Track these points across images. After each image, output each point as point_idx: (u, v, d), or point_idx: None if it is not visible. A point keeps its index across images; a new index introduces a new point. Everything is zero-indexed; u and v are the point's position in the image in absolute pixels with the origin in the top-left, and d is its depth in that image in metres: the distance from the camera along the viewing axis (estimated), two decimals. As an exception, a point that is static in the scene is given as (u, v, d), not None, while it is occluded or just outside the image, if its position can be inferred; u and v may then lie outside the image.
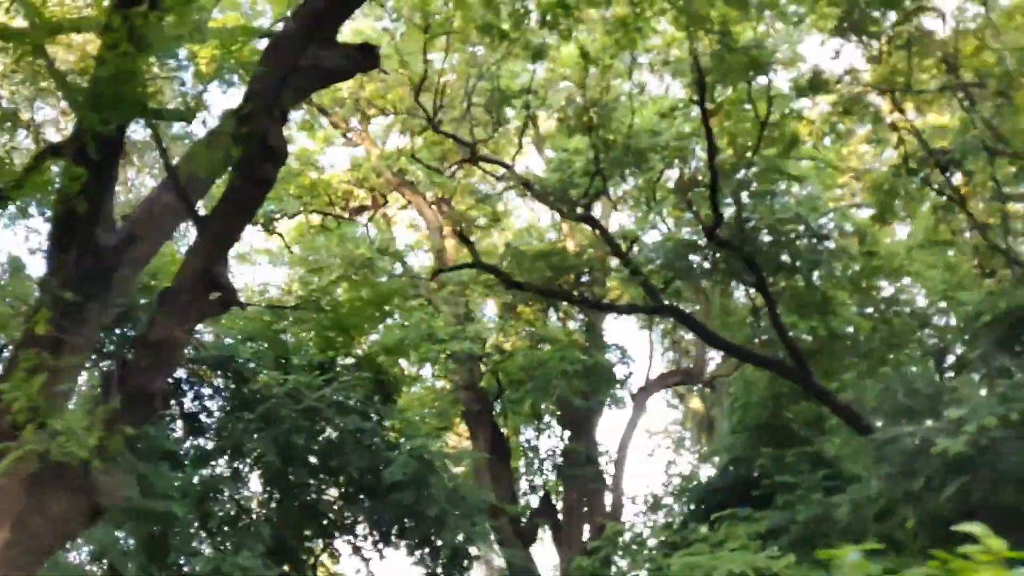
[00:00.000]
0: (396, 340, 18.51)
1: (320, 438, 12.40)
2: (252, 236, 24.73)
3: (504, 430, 23.97)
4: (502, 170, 15.64)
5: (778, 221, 15.40)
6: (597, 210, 18.26)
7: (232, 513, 11.23)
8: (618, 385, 22.93)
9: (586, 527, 22.04)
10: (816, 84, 13.43)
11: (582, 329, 22.51)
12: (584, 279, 17.88)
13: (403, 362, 19.43)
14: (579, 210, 15.31)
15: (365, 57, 9.22)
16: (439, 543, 12.17)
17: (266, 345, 12.94)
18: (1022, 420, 9.36)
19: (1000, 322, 9.97)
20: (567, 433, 23.06)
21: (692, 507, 18.46)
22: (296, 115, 23.39)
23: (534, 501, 23.38)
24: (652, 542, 17.98)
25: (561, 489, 23.03)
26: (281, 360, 13.26)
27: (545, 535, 23.19)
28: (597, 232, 15.15)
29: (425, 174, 19.01)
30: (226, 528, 11.36)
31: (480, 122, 15.28)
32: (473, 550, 14.12)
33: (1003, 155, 10.56)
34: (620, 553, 17.40)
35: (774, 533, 14.66)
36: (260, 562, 11.16)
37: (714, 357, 22.85)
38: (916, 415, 12.37)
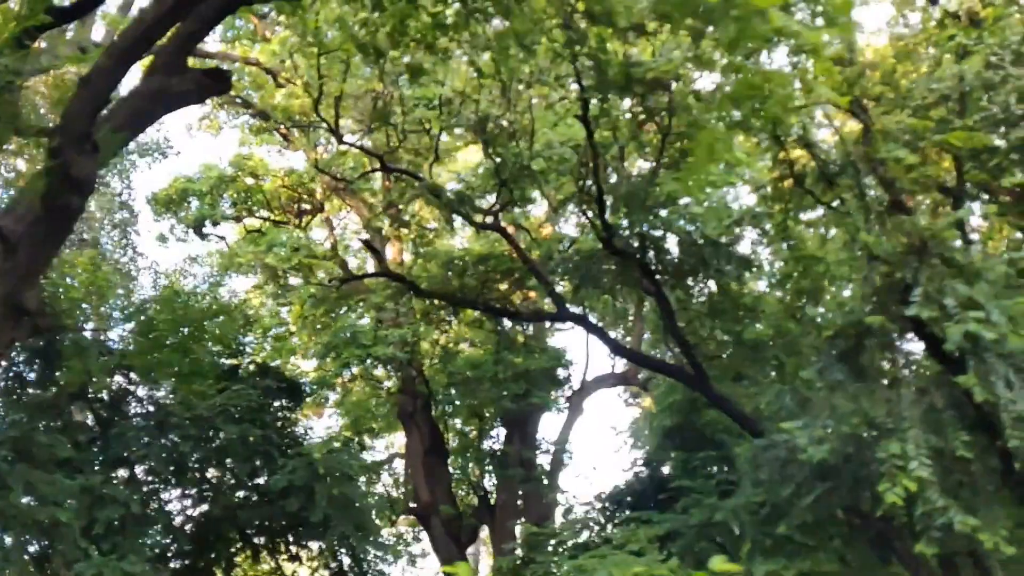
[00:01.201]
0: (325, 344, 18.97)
1: (211, 445, 12.68)
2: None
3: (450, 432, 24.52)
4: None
5: (680, 230, 15.73)
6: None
7: (118, 520, 11.51)
8: (561, 387, 23.28)
9: (519, 528, 22.37)
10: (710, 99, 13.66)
11: (525, 332, 22.90)
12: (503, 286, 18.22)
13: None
14: (488, 219, 15.59)
15: (215, 82, 9.53)
16: (326, 547, 12.45)
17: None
18: (853, 433, 9.64)
19: (845, 336, 10.25)
20: (503, 434, 23.35)
21: (608, 510, 18.86)
22: (241, 120, 23.84)
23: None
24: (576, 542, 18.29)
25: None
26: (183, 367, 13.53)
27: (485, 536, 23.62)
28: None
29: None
30: (114, 534, 11.64)
31: (401, 133, 15.52)
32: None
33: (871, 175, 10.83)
34: (535, 555, 17.73)
35: (671, 536, 15.03)
36: (148, 566, 11.48)
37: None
38: (842, 420, 12.65)
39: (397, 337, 18.58)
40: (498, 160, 14.15)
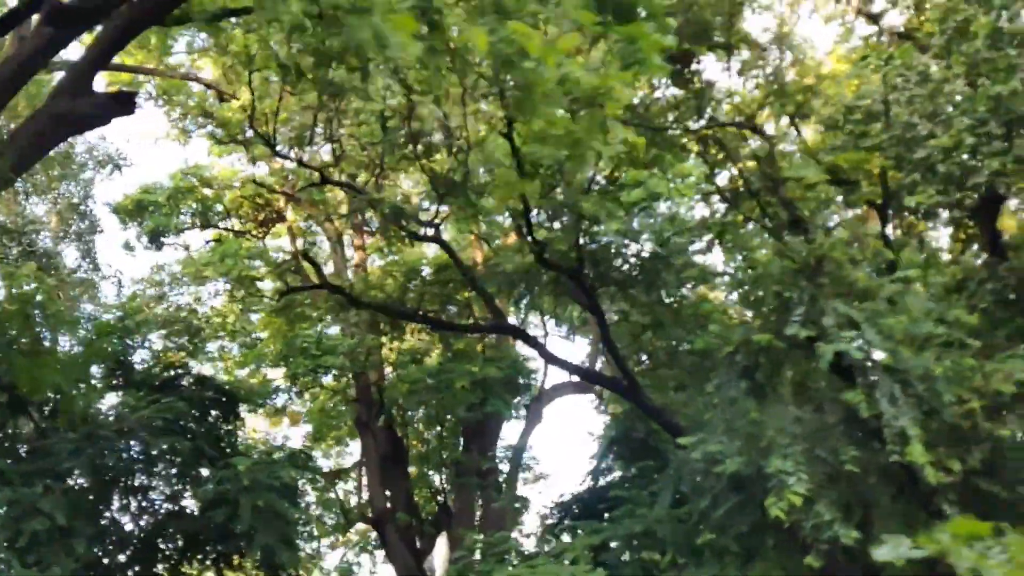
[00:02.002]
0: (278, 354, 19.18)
1: (140, 457, 12.88)
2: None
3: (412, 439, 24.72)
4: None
5: (617, 243, 15.97)
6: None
7: (44, 532, 11.68)
8: (520, 395, 23.47)
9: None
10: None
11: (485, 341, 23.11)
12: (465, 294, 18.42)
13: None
14: (429, 231, 15.80)
15: (121, 105, 9.75)
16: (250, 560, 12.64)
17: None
18: (746, 447, 9.85)
19: (745, 352, 10.46)
20: (463, 442, 23.54)
21: (557, 518, 19.06)
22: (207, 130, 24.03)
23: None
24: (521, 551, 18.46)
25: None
26: (117, 378, 13.73)
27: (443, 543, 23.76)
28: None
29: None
30: (40, 546, 11.81)
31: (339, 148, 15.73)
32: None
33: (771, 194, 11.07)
34: (481, 564, 17.91)
35: (605, 546, 15.23)
36: (70, 577, 11.65)
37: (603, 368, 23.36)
38: (736, 435, 12.87)
39: (346, 347, 18.79)
40: (436, 174, 14.37)
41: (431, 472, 24.56)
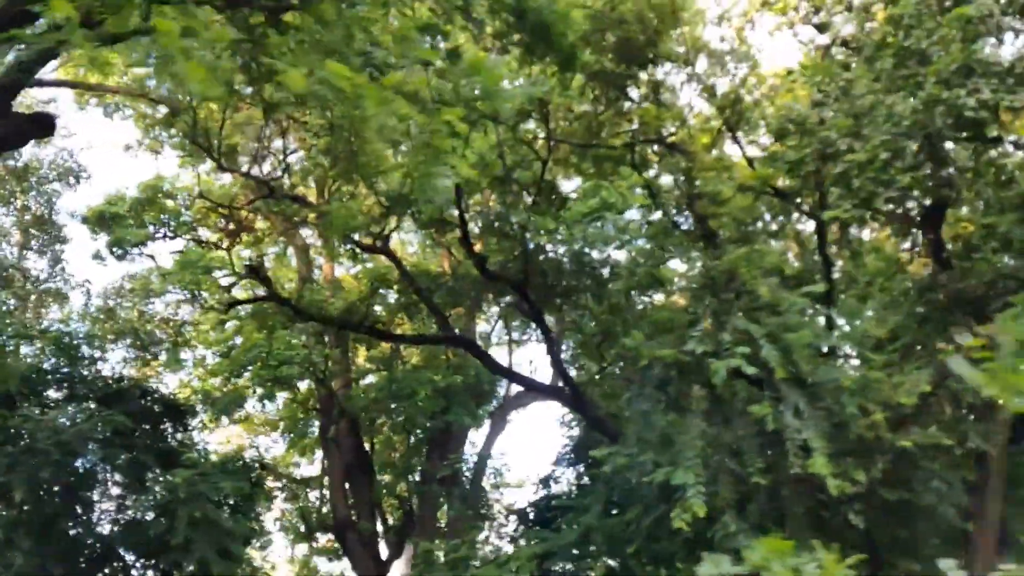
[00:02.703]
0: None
1: (78, 470, 13.04)
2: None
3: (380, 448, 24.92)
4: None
5: (563, 255, 16.14)
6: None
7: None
8: (487, 404, 23.64)
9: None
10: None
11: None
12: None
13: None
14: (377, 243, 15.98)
15: (39, 127, 9.93)
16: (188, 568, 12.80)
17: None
18: (656, 459, 10.01)
19: (665, 367, 10.63)
20: (427, 450, 23.69)
21: (511, 525, 19.26)
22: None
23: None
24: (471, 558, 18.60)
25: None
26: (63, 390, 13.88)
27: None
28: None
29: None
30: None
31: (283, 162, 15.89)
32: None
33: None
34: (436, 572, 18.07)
35: (549, 555, 15.39)
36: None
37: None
38: (648, 447, 13.07)
39: (300, 357, 18.95)
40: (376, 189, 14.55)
41: (398, 480, 24.69)
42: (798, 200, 14.03)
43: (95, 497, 13.15)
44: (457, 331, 22.96)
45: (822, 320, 10.66)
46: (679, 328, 10.30)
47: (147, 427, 14.50)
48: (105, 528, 14.06)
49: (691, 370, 10.01)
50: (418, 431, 24.06)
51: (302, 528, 22.35)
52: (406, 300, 19.78)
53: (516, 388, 24.53)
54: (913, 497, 10.23)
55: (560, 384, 16.53)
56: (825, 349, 10.57)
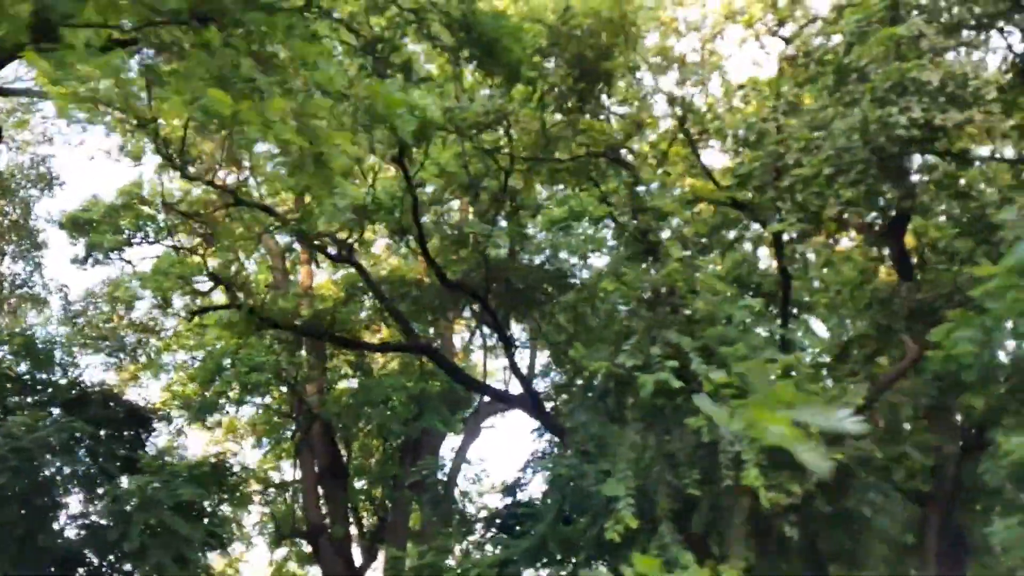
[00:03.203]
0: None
1: (36, 477, 13.14)
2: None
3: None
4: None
5: (524, 266, 16.28)
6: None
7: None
8: (462, 410, 23.75)
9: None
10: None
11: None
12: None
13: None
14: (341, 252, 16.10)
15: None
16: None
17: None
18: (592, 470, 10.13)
19: (605, 378, 10.75)
20: (401, 456, 23.80)
21: (478, 532, 19.33)
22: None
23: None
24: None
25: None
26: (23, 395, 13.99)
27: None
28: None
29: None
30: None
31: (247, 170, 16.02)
32: None
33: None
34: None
35: (505, 563, 15.50)
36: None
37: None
38: (593, 458, 13.21)
39: (270, 364, 19.08)
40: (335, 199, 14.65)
41: (374, 486, 24.80)
42: (757, 212, 14.21)
43: (58, 503, 13.21)
44: (438, 338, 23.21)
45: (767, 332, 10.76)
46: (618, 340, 10.42)
47: (110, 433, 14.59)
48: (73, 533, 14.16)
49: (626, 382, 10.13)
50: (393, 437, 24.20)
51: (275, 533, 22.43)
52: (379, 307, 19.94)
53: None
54: (854, 508, 10.34)
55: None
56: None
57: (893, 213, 13.79)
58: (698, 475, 9.92)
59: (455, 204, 18.59)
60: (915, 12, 10.21)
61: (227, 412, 21.94)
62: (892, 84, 9.73)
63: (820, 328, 16.77)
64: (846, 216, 13.85)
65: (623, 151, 12.52)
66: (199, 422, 21.83)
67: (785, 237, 13.36)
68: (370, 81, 7.84)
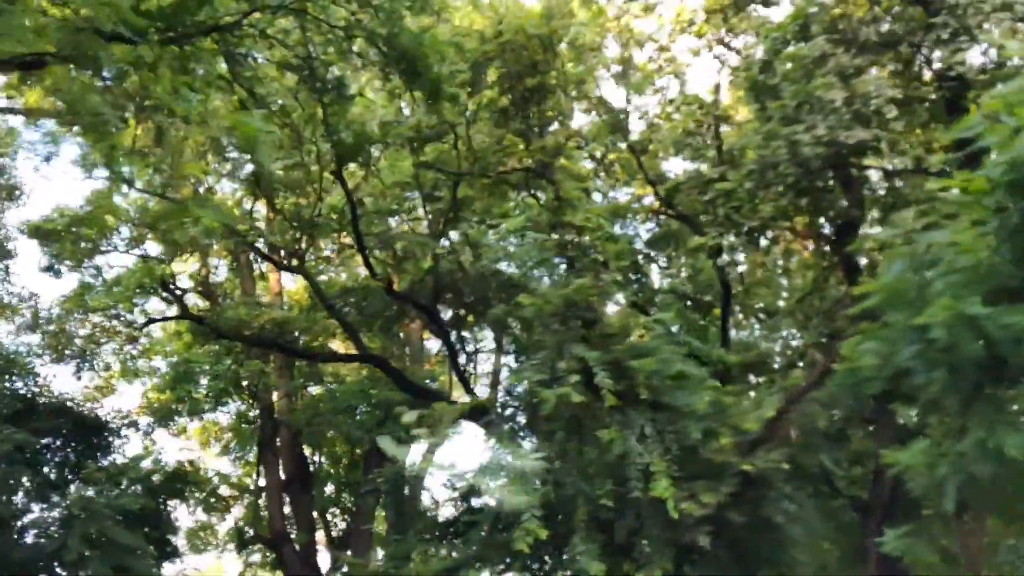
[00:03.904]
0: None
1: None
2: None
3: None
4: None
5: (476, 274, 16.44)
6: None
7: None
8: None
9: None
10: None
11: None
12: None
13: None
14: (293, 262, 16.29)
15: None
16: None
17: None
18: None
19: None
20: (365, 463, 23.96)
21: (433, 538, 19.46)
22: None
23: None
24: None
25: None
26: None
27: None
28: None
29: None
30: None
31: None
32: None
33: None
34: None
35: (452, 568, 15.66)
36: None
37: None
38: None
39: (228, 373, 19.27)
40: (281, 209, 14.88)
41: (342, 492, 24.99)
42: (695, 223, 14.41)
43: (15, 513, 13.36)
44: (408, 346, 23.40)
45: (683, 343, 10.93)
46: (530, 353, 10.61)
47: (57, 444, 14.76)
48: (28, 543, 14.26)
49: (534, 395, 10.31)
50: (361, 444, 24.37)
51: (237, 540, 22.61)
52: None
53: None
54: (768, 517, 10.51)
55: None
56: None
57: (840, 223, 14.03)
58: (611, 486, 10.09)
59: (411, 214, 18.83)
60: (823, 32, 10.41)
61: (191, 420, 22.08)
62: (798, 103, 9.92)
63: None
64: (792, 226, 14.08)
65: (555, 164, 12.71)
66: (164, 429, 21.98)
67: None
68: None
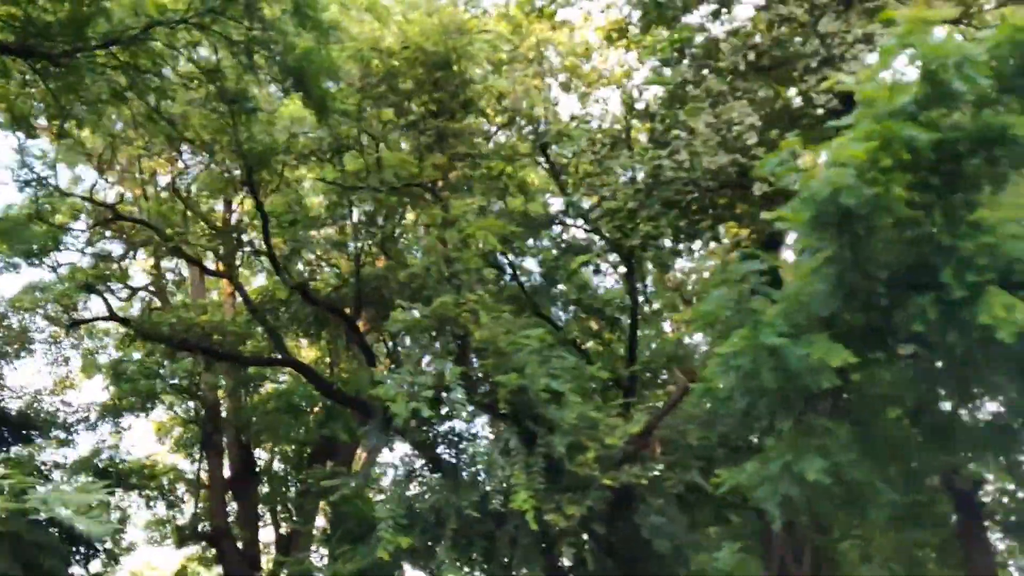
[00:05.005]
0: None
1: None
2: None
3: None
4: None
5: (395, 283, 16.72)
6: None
7: None
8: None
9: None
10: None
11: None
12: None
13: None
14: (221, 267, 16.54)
15: None
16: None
17: None
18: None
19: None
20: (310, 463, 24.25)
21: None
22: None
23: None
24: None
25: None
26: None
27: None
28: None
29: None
30: None
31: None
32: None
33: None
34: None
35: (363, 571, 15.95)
36: None
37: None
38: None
39: (176, 371, 19.59)
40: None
41: (286, 491, 25.26)
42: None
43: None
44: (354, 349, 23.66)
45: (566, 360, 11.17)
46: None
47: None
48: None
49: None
50: (307, 444, 24.66)
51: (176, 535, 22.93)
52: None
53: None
54: (632, 530, 10.77)
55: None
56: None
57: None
58: (476, 497, 10.35)
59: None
60: (702, 58, 10.64)
61: (136, 416, 22.34)
62: (665, 127, 10.16)
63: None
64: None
65: (453, 179, 12.97)
66: (108, 425, 22.25)
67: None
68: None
